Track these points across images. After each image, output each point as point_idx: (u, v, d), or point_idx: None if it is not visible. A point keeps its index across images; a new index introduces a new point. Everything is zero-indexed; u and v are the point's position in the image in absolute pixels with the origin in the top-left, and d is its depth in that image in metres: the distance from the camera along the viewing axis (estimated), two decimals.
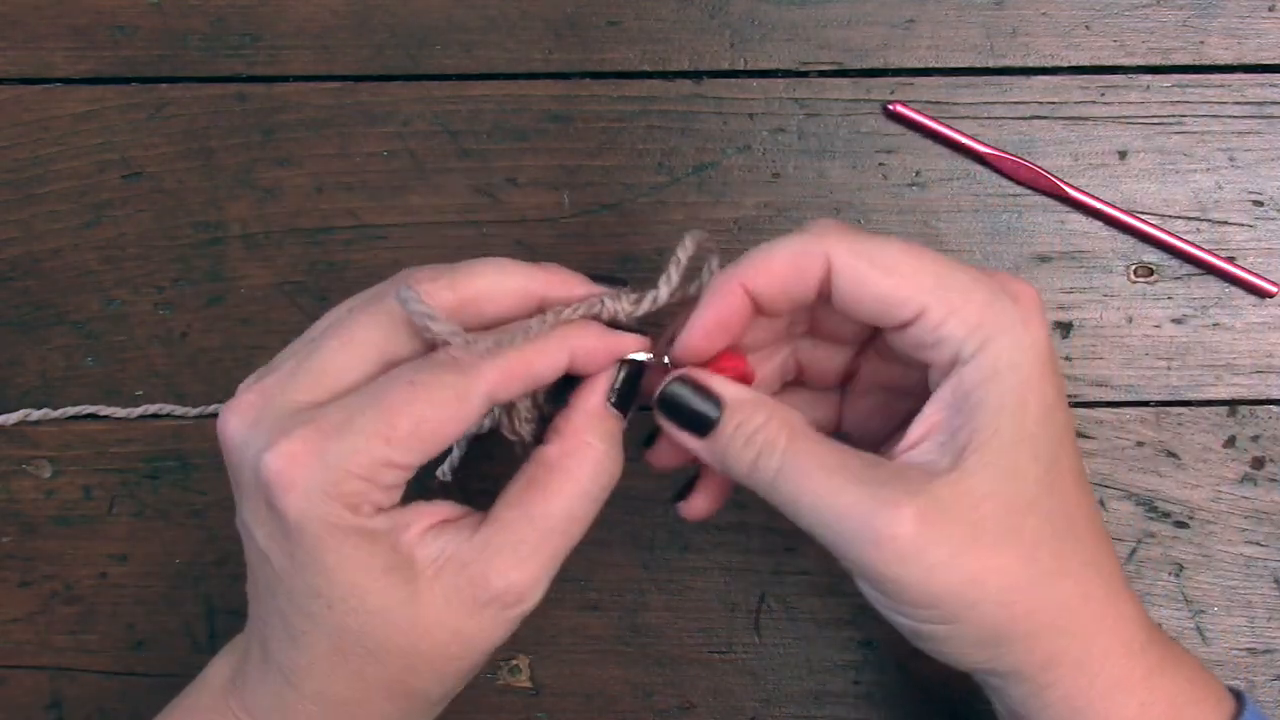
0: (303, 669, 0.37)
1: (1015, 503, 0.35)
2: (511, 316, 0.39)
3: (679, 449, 0.39)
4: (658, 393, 0.39)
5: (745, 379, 0.39)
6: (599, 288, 0.39)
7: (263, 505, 0.36)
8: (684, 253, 0.39)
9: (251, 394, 0.37)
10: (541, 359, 0.37)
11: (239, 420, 0.37)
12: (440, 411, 0.36)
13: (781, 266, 0.37)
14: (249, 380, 0.38)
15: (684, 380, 0.38)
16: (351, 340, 0.37)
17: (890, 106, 0.49)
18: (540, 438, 0.39)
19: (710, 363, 0.39)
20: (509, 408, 0.39)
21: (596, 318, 0.39)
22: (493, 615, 0.37)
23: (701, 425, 0.38)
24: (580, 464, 0.38)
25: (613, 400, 0.39)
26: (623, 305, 0.39)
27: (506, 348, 0.37)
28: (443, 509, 0.38)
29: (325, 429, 0.35)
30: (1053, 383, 0.36)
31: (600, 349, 0.38)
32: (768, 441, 0.37)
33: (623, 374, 0.39)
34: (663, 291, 0.39)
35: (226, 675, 0.40)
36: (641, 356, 0.39)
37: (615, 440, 0.39)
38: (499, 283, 0.38)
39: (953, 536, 0.35)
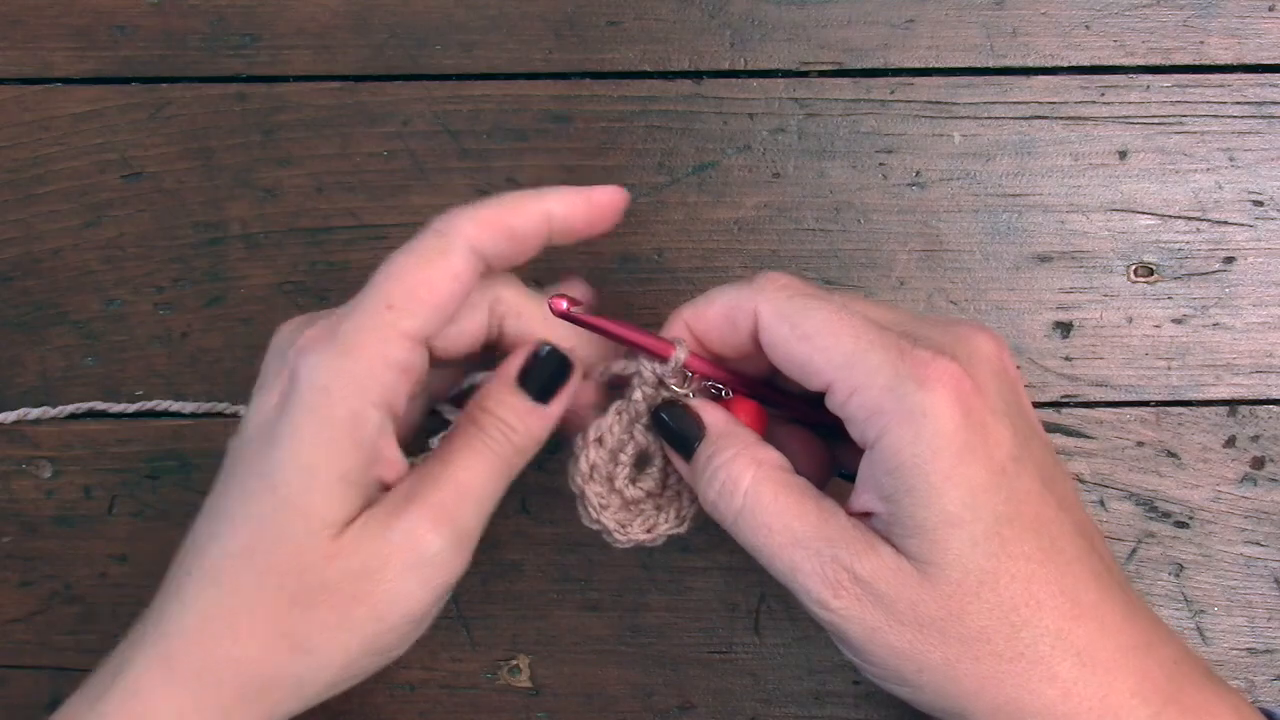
0: (205, 571, 0.37)
1: (952, 595, 0.35)
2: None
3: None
4: (655, 409, 0.40)
5: (754, 418, 0.40)
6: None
7: (282, 386, 0.37)
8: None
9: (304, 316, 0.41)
10: (516, 215, 0.39)
11: (290, 326, 0.40)
12: (428, 270, 0.38)
13: (716, 315, 0.38)
14: None
15: (676, 403, 0.39)
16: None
17: (554, 303, 0.38)
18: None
19: (729, 401, 0.40)
20: (581, 497, 0.40)
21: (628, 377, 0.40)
22: (399, 568, 0.37)
23: (685, 446, 0.39)
24: (490, 438, 0.39)
25: (527, 384, 0.39)
26: (650, 367, 0.39)
27: (484, 206, 0.39)
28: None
29: (338, 315, 0.38)
30: (981, 460, 0.35)
31: (577, 201, 0.40)
32: (731, 479, 0.37)
33: (532, 356, 0.40)
34: (680, 353, 0.39)
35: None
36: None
37: (525, 421, 0.39)
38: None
39: (879, 621, 0.35)
